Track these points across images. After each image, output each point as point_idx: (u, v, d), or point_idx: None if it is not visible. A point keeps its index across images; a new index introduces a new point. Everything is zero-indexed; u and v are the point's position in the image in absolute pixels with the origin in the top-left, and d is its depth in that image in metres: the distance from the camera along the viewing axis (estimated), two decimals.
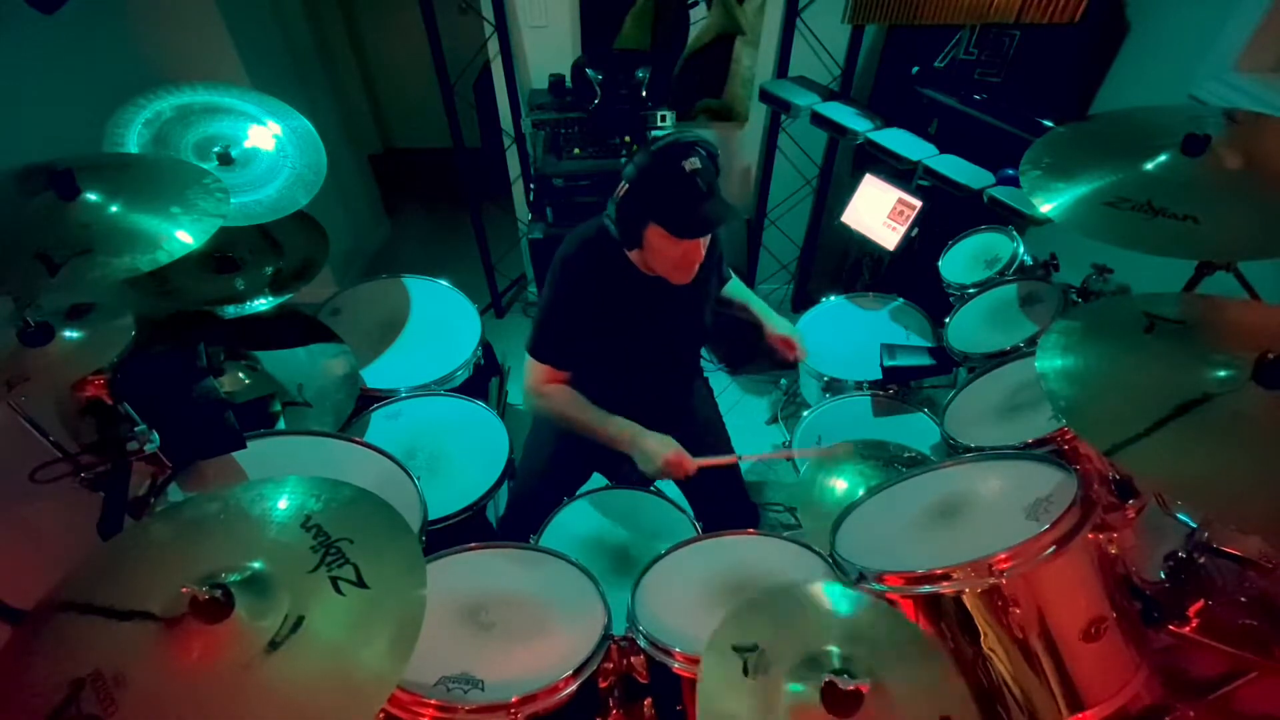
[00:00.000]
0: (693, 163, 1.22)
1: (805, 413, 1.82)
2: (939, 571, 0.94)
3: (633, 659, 1.10)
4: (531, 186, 2.38)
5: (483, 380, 2.03)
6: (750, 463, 1.54)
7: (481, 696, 0.98)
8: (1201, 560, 1.04)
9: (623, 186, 1.29)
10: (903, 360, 1.83)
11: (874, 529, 1.19)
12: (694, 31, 2.34)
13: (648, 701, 1.12)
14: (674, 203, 1.25)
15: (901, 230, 2.06)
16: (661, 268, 1.37)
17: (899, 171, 2.04)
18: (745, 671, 0.82)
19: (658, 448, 1.36)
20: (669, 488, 1.64)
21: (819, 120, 2.17)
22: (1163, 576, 1.05)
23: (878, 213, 2.12)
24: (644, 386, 1.55)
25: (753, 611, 0.91)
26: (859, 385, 1.86)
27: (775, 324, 1.65)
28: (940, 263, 1.88)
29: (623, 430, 1.40)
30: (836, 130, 2.14)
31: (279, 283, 1.64)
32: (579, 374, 1.48)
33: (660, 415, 1.46)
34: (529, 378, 1.48)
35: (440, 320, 1.92)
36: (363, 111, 3.98)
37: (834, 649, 0.86)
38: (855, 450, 1.55)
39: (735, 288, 1.75)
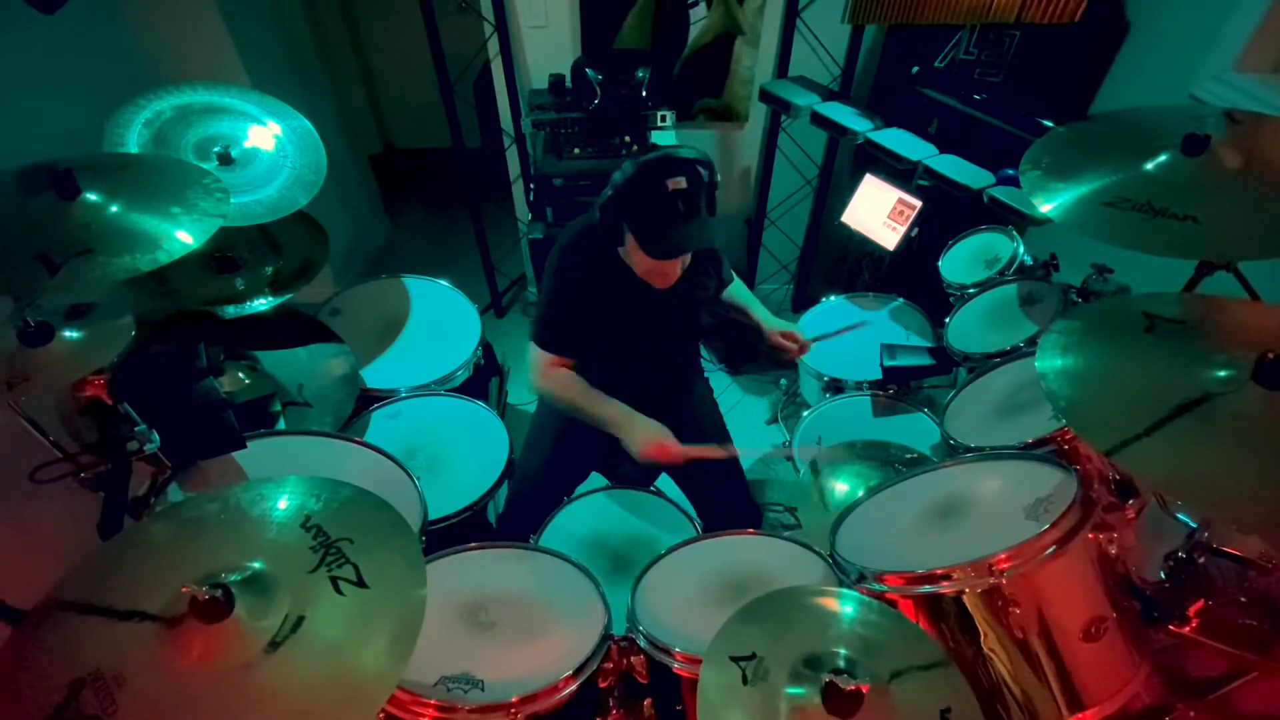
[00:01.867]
0: (678, 182, 1.19)
1: (805, 413, 1.82)
2: (939, 571, 0.95)
3: (633, 659, 1.10)
4: (531, 186, 2.38)
5: (483, 380, 2.03)
6: (746, 459, 1.54)
7: (481, 696, 0.98)
8: (1201, 560, 1.04)
9: (608, 191, 1.29)
10: (903, 360, 1.82)
11: (874, 529, 1.19)
12: (694, 31, 2.34)
13: (648, 701, 1.12)
14: (649, 219, 1.24)
15: (901, 230, 2.06)
16: (639, 270, 1.37)
17: (899, 171, 2.03)
18: (744, 680, 0.82)
19: (642, 432, 1.36)
20: (669, 488, 1.64)
21: (819, 120, 2.17)
22: (1163, 576, 1.06)
23: (878, 213, 2.12)
24: (638, 381, 1.55)
25: (747, 620, 0.91)
26: (859, 385, 1.86)
27: (773, 323, 1.65)
28: (940, 263, 1.88)
29: (615, 412, 1.41)
30: (836, 130, 2.14)
31: (279, 283, 1.64)
32: (581, 363, 1.48)
33: (658, 412, 1.46)
34: (533, 362, 1.49)
35: (440, 320, 1.92)
36: (363, 111, 3.98)
37: (830, 650, 0.86)
38: (852, 452, 1.56)
39: (736, 289, 1.75)
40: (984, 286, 1.75)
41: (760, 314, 1.70)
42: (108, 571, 0.81)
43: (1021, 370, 1.44)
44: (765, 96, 2.36)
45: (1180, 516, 1.07)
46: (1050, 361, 0.95)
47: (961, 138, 2.02)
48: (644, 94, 2.14)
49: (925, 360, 1.83)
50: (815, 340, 1.61)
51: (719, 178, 1.30)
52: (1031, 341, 1.49)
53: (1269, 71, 1.66)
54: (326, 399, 1.58)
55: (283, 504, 0.88)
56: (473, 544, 1.22)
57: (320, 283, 1.80)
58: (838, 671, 0.80)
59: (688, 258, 1.35)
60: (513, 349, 2.62)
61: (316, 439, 1.36)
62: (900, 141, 2.04)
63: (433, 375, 1.77)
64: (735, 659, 0.84)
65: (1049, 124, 1.78)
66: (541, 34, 2.32)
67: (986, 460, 1.20)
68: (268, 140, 1.58)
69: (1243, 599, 1.01)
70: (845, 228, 2.23)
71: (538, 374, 1.49)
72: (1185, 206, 1.08)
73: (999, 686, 0.95)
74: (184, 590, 0.71)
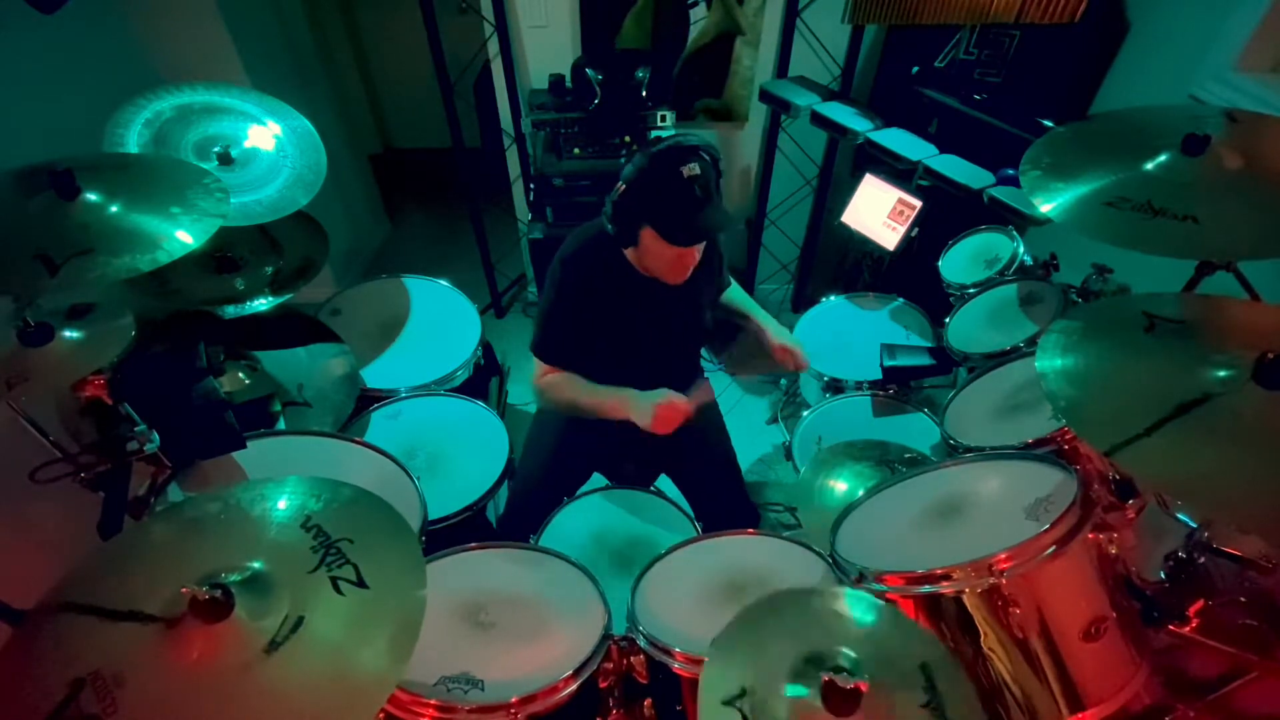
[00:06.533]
0: (691, 168, 1.20)
1: (805, 413, 1.82)
2: (939, 571, 0.94)
3: (633, 659, 1.10)
4: (531, 186, 2.38)
5: (483, 380, 2.03)
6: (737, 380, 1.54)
7: (481, 696, 0.98)
8: (1201, 560, 1.04)
9: (620, 187, 1.28)
10: (903, 360, 1.82)
11: (874, 529, 1.19)
12: (694, 31, 2.34)
13: (648, 701, 1.11)
14: (669, 208, 1.24)
15: (901, 230, 2.06)
16: (655, 268, 1.37)
17: (899, 171, 2.03)
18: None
19: (650, 402, 1.33)
20: (669, 488, 1.64)
21: (819, 120, 2.17)
22: (1163, 576, 1.05)
23: (878, 213, 2.12)
24: (643, 385, 1.55)
25: (724, 655, 0.88)
26: (859, 385, 1.86)
27: (776, 333, 1.64)
28: (940, 263, 1.88)
29: (618, 397, 1.39)
30: (836, 130, 2.14)
31: (279, 283, 1.64)
32: (581, 371, 1.48)
33: None
34: (534, 374, 1.50)
35: (440, 320, 1.92)
36: (363, 111, 3.98)
37: (827, 649, 0.85)
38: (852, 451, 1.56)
39: (735, 294, 1.74)
40: (984, 286, 1.75)
41: (761, 319, 1.69)
42: (108, 571, 0.81)
43: (1021, 370, 1.44)
44: (765, 96, 2.36)
45: (1180, 516, 1.07)
46: (1050, 361, 0.94)
47: (961, 138, 2.02)
48: (644, 94, 2.14)
49: (925, 360, 1.83)
50: None
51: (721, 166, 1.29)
52: (1031, 341, 1.49)
53: (1269, 71, 1.66)
54: (326, 399, 1.58)
55: (283, 504, 0.88)
56: (473, 544, 1.22)
57: (320, 283, 1.80)
58: (837, 670, 0.80)
59: (700, 251, 1.35)
60: (513, 349, 2.62)
61: (316, 439, 1.36)
62: (900, 141, 2.04)
63: (433, 375, 1.77)
64: (727, 702, 0.81)
65: (1049, 124, 1.78)
66: (541, 34, 2.32)
67: (986, 460, 1.20)
68: (268, 140, 1.58)
69: (1243, 599, 1.01)
70: (845, 228, 2.23)
71: (537, 382, 1.50)
72: (1185, 206, 1.07)
73: (999, 686, 0.95)
74: (184, 590, 0.71)
